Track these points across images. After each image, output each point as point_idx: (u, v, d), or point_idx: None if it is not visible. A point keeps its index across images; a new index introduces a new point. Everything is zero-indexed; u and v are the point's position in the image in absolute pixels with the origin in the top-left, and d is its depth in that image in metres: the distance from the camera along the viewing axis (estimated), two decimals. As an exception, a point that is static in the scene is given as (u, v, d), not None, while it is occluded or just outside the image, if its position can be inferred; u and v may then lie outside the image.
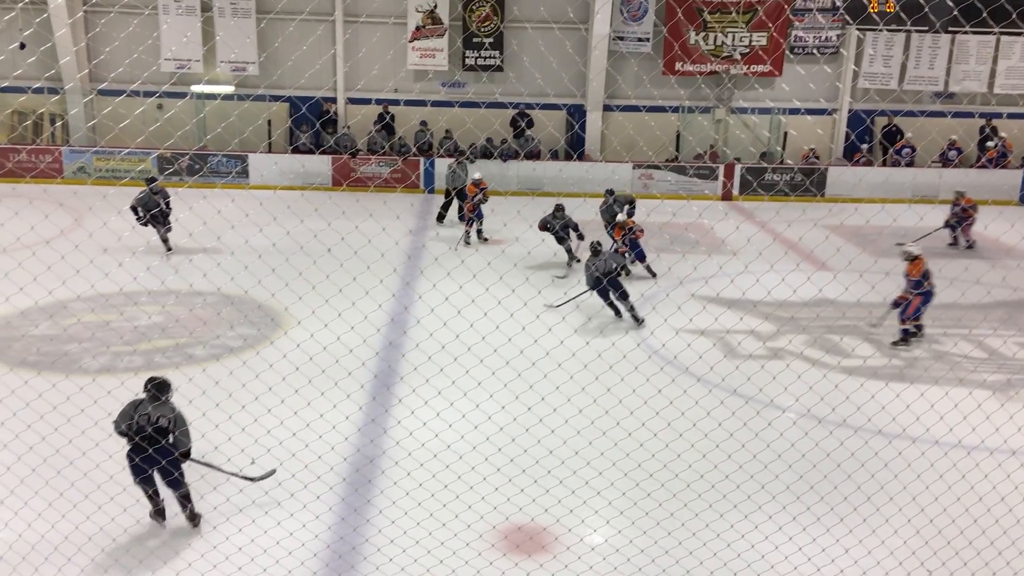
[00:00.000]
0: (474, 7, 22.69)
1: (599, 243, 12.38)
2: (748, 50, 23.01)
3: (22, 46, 20.62)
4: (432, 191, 21.82)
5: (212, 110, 22.42)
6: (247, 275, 11.82)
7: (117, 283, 12.11)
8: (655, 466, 6.95)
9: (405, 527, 6.41)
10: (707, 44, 23.04)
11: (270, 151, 22.66)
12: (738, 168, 22.66)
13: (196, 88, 22.01)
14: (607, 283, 11.99)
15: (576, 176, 21.56)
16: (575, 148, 23.42)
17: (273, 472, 7.32)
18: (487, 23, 22.75)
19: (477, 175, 17.13)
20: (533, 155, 22.57)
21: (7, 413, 7.37)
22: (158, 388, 6.71)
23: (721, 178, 22.62)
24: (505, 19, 22.78)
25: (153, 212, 14.22)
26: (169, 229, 15.00)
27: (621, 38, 22.92)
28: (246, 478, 7.16)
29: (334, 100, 23.17)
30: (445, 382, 7.16)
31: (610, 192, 15.82)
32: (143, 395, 6.72)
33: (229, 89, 22.28)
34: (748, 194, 22.40)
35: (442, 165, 21.06)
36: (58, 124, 22.95)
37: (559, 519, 6.77)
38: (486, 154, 22.02)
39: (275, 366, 8.35)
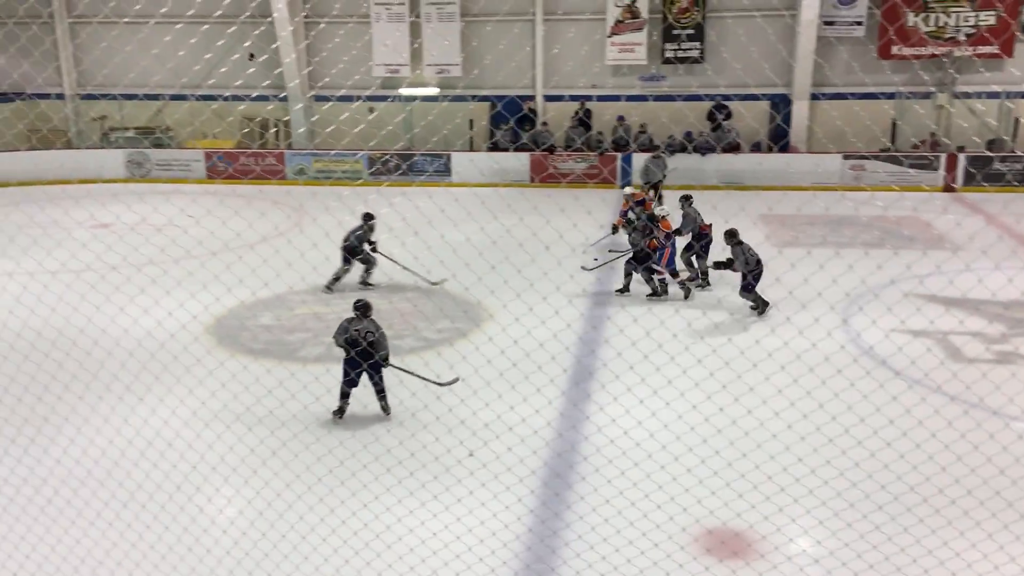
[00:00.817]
0: (674, -1, 22.33)
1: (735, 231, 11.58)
2: (974, 30, 21.21)
3: (251, 56, 22.37)
4: (628, 186, 21.70)
5: (417, 111, 23.38)
6: (451, 269, 12.20)
7: (328, 279, 12.89)
8: (867, 475, 6.56)
9: (607, 518, 6.41)
10: (927, 25, 21.45)
11: (471, 149, 23.33)
12: (962, 158, 20.95)
13: (403, 91, 23.04)
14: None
15: (778, 169, 20.71)
16: (779, 140, 22.51)
17: (457, 380, 8.60)
18: (687, 14, 22.31)
19: (628, 190, 15.18)
20: (732, 148, 21.92)
21: (228, 396, 8.03)
22: (363, 308, 8.56)
23: (942, 169, 21.00)
24: (706, 9, 22.24)
25: (358, 256, 13.43)
26: (374, 265, 13.69)
27: (831, 23, 21.77)
28: (436, 383, 8.48)
29: (532, 98, 23.52)
30: (660, 381, 7.06)
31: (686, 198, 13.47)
32: (352, 314, 8.55)
33: (433, 90, 23.16)
34: (973, 185, 20.66)
35: (640, 161, 20.91)
36: (280, 129, 24.70)
37: (779, 528, 6.53)
38: (683, 148, 21.59)
39: (485, 358, 8.51)
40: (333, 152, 22.62)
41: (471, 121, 23.69)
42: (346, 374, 8.54)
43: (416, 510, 6.61)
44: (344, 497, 7.11)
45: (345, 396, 8.58)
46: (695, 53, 22.42)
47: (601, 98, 23.00)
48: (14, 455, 7.76)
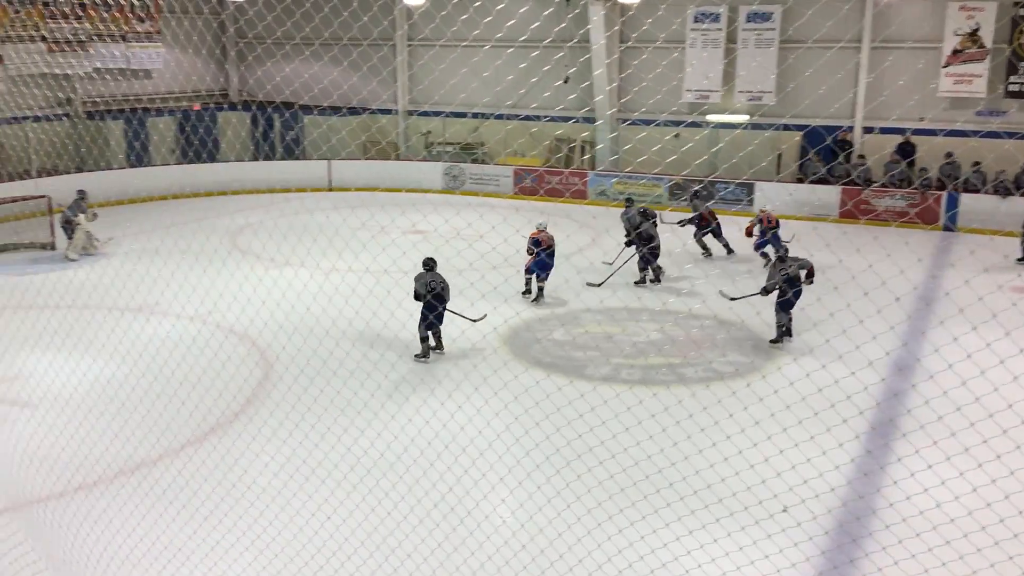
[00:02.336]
0: (1026, 26, 20.05)
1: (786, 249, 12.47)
2: None
3: (566, 80, 23.15)
4: (953, 229, 19.78)
5: (724, 137, 22.93)
6: (754, 305, 11.77)
7: (622, 299, 12.96)
8: None
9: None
10: None
11: (777, 179, 22.47)
12: None
13: (713, 118, 22.68)
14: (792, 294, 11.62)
15: None
16: None
17: (484, 316, 11.14)
18: (1041, 43, 19.94)
19: (541, 222, 13.88)
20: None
21: (520, 409, 8.25)
22: (431, 263, 10.98)
23: None
24: (1066, 37, 19.75)
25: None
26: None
27: None
28: (469, 319, 11.01)
29: (851, 129, 22.19)
30: (956, 447, 6.34)
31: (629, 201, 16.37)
32: (422, 270, 11.01)
33: (744, 119, 22.59)
34: None
35: (970, 201, 19.07)
36: (587, 150, 25.32)
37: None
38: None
39: (765, 399, 8.17)
40: (636, 175, 22.79)
41: (780, 150, 22.82)
42: (424, 317, 10.82)
43: (693, 551, 6.38)
44: (622, 525, 7.02)
45: (424, 339, 10.88)
46: (1047, 86, 19.98)
47: (928, 131, 21.17)
48: (328, 442, 8.51)
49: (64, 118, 23.41)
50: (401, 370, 9.56)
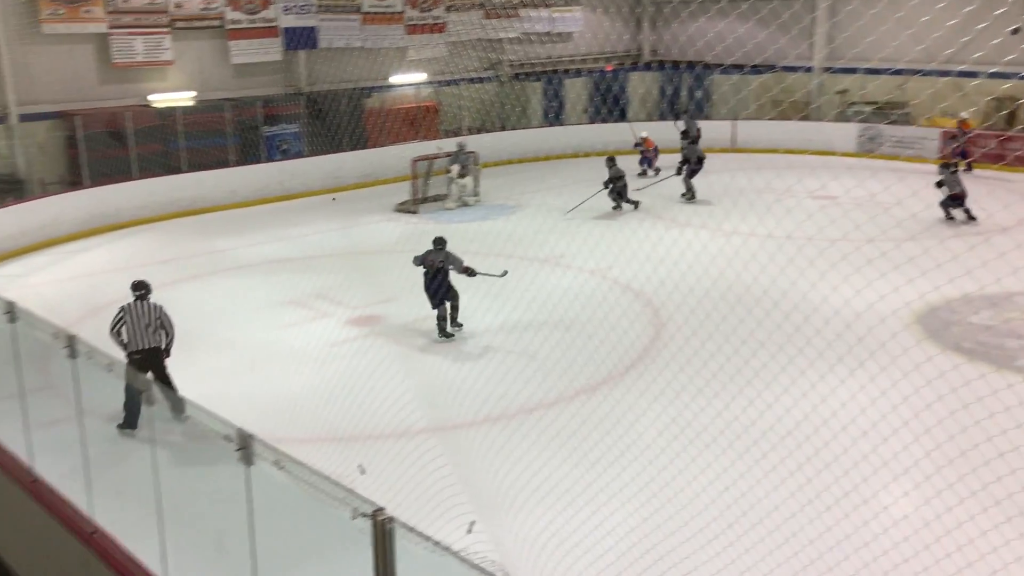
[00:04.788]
0: None
1: None
2: None
3: (1015, 31, 20.14)
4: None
5: None
6: None
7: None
8: None
9: None
10: None
11: None
12: None
13: None
14: None
15: None
16: None
17: (506, 273, 11.33)
18: None
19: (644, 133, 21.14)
20: None
21: (933, 395, 7.40)
22: (440, 242, 10.81)
23: None
24: None
25: None
26: None
27: None
28: (491, 275, 11.23)
29: None
30: None
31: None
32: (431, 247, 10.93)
33: None
34: None
35: None
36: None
37: None
38: None
39: None
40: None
41: None
42: (427, 289, 10.88)
43: None
44: None
45: (441, 318, 10.93)
46: None
47: None
48: (715, 407, 8.37)
49: (493, 80, 25.52)
50: (798, 342, 9.06)
